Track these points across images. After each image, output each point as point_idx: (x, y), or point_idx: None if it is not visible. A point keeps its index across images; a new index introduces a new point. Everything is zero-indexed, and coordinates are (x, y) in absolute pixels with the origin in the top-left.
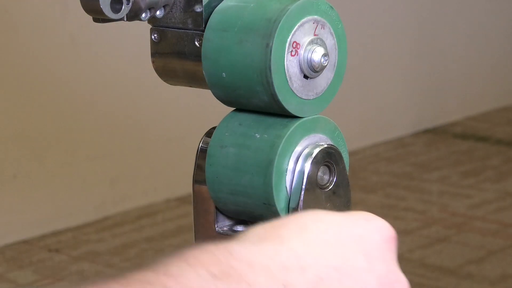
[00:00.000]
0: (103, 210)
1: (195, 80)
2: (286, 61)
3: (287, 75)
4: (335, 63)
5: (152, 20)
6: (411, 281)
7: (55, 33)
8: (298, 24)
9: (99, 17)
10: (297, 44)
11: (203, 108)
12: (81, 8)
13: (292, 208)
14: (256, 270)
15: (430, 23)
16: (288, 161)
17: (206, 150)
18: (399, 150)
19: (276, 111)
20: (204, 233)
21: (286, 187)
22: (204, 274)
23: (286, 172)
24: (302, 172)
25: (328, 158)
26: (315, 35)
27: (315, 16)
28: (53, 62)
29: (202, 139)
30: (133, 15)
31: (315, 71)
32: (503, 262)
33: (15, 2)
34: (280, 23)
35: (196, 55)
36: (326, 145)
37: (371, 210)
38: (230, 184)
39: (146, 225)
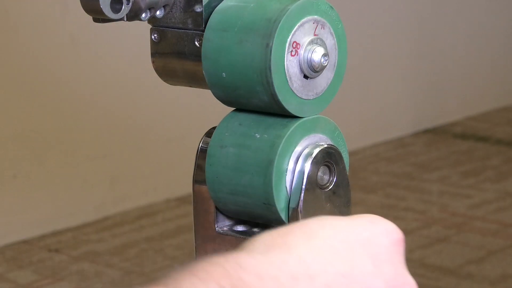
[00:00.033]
0: (103, 210)
1: (195, 80)
2: (286, 61)
3: (287, 75)
4: (335, 63)
5: (152, 20)
6: None
7: (55, 33)
8: (298, 24)
9: (99, 17)
10: (297, 44)
11: (203, 108)
12: (81, 8)
13: (292, 208)
14: (265, 281)
15: (430, 23)
16: (288, 161)
17: (206, 150)
18: (399, 150)
19: (276, 111)
20: (204, 233)
21: (286, 187)
22: None
23: (286, 172)
24: (302, 172)
25: (328, 158)
26: (315, 35)
27: (315, 16)
28: (53, 62)
29: (202, 139)
30: (133, 15)
31: (315, 71)
32: (503, 262)
33: (15, 2)
34: (280, 23)
35: (196, 55)
36: (326, 145)
37: (371, 210)
38: (230, 184)
39: (146, 225)
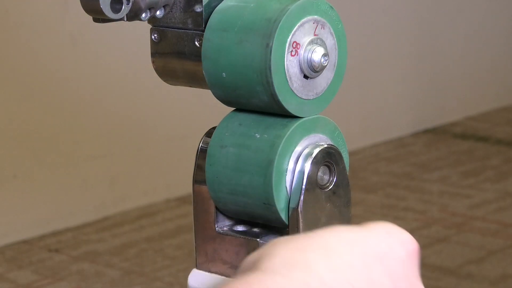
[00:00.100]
0: (103, 210)
1: (195, 80)
2: (286, 61)
3: (287, 75)
4: (335, 63)
5: (152, 20)
6: None
7: (55, 33)
8: (298, 24)
9: (99, 17)
10: (297, 44)
11: (203, 108)
12: (81, 8)
13: (292, 208)
14: None
15: (430, 23)
16: (288, 161)
17: (206, 150)
18: (399, 150)
19: (276, 111)
20: (204, 233)
21: (286, 187)
22: None
23: (286, 172)
24: (302, 172)
25: (328, 158)
26: (315, 35)
27: (315, 16)
28: (53, 62)
29: (202, 139)
30: (133, 15)
31: (315, 71)
32: (503, 262)
33: (15, 2)
34: (280, 23)
35: (196, 55)
36: (326, 145)
37: (371, 210)
38: (230, 184)
39: (146, 225)
